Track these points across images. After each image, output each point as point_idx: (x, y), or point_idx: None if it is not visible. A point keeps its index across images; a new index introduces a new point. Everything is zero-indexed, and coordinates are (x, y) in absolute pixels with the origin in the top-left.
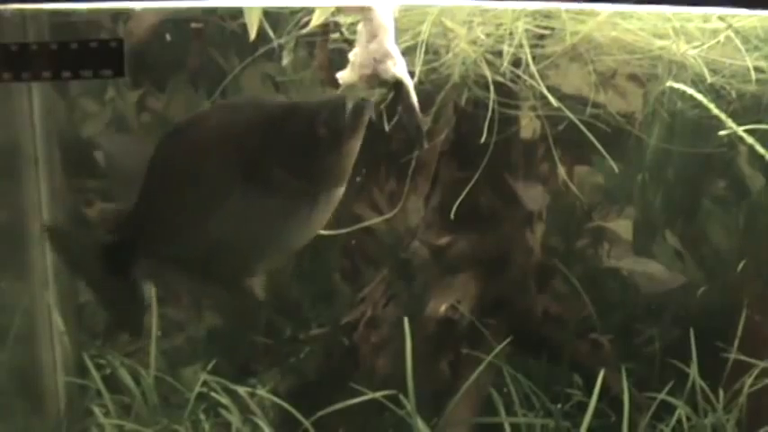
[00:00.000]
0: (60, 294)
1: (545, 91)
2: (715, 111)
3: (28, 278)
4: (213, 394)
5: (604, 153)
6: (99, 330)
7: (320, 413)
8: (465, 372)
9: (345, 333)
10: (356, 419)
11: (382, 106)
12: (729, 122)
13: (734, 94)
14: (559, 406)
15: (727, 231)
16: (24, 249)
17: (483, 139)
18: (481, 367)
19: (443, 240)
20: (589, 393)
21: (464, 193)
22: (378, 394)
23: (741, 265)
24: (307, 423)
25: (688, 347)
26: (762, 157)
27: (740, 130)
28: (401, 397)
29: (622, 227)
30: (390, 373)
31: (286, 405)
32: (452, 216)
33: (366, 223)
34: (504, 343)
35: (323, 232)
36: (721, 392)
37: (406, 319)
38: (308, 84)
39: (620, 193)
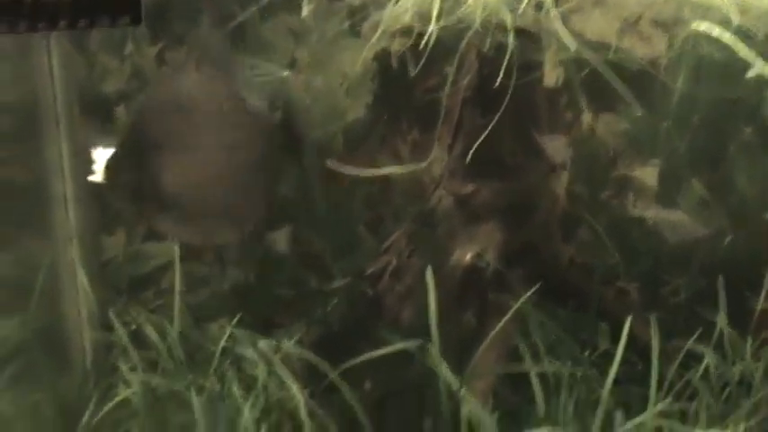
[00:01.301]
0: (84, 251)
1: (567, 35)
2: (742, 52)
3: (51, 236)
4: (238, 349)
5: (627, 95)
6: (123, 287)
7: (346, 364)
8: (491, 320)
9: (370, 284)
10: (382, 370)
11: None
12: (758, 63)
13: (761, 35)
14: (587, 354)
15: (753, 178)
16: (48, 207)
17: (505, 85)
18: (508, 315)
19: (468, 189)
20: (615, 342)
21: (482, 139)
22: (404, 344)
23: None
24: (333, 374)
25: (715, 296)
26: None
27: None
28: (427, 346)
29: (648, 175)
30: (416, 322)
31: (312, 357)
32: (468, 160)
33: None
34: (533, 290)
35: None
36: (749, 340)
37: (429, 269)
38: (329, 36)
39: (646, 141)
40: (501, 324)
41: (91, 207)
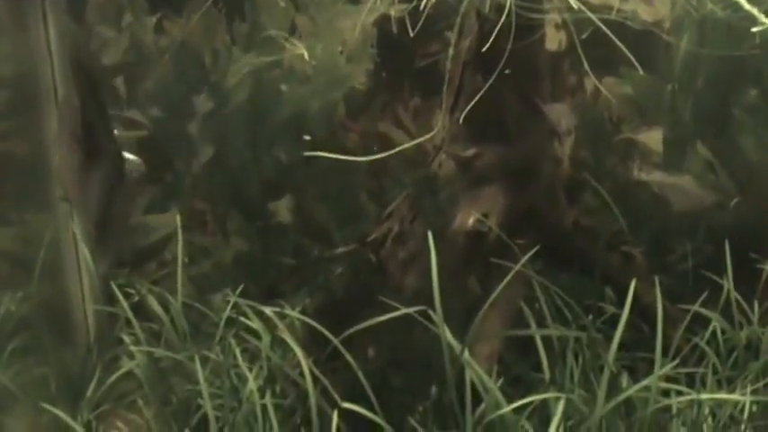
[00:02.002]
0: (85, 224)
1: None
2: (747, 6)
3: (52, 209)
4: (242, 319)
5: (630, 55)
6: (125, 259)
7: (349, 331)
8: (495, 285)
9: (373, 250)
10: (385, 336)
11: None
12: (762, 18)
13: None
14: (591, 318)
15: (759, 141)
16: (47, 181)
17: (506, 48)
18: (508, 276)
19: (469, 152)
20: (621, 306)
21: (484, 103)
22: (406, 310)
23: None
24: (336, 341)
25: (721, 260)
26: None
27: None
28: (430, 312)
29: (652, 139)
30: (419, 288)
31: (315, 324)
32: (470, 124)
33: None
34: (531, 252)
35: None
36: (756, 305)
37: (430, 233)
38: (328, 1)
39: (650, 104)
40: (501, 286)
41: None
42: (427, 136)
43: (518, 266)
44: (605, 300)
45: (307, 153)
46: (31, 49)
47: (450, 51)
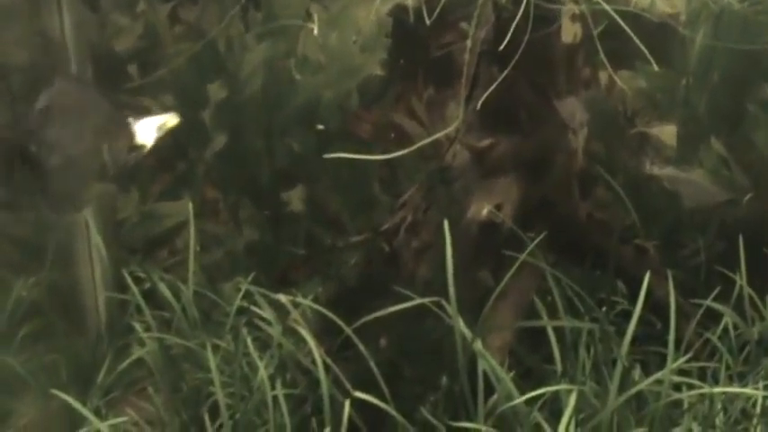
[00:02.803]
0: (98, 211)
1: None
2: None
3: None
4: (253, 308)
5: (644, 49)
6: (137, 247)
7: (361, 320)
8: (507, 276)
9: (386, 239)
10: (397, 326)
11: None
12: None
13: None
14: (604, 311)
15: None
16: None
17: (522, 39)
18: (515, 266)
19: (484, 143)
20: (633, 300)
21: (499, 93)
22: (420, 300)
23: None
24: (348, 330)
25: (734, 255)
26: None
27: None
28: (443, 302)
29: (666, 133)
30: (432, 278)
31: (327, 312)
32: (485, 114)
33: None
34: (537, 242)
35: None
36: None
37: (446, 222)
38: None
39: (664, 98)
40: (508, 276)
41: None
42: (445, 131)
43: (523, 256)
44: (617, 293)
45: (326, 155)
46: (46, 36)
47: (469, 43)
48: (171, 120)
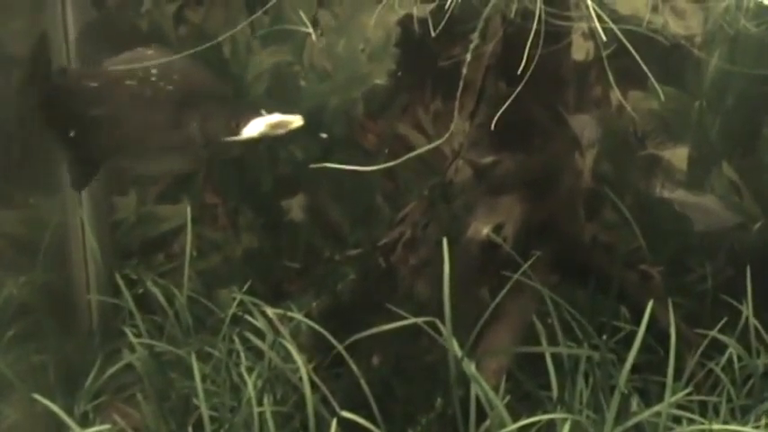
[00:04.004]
0: (94, 212)
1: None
2: None
3: (61, 194)
4: (247, 317)
5: (648, 73)
6: (133, 249)
7: (354, 337)
8: (507, 297)
9: (383, 254)
10: (392, 344)
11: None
12: None
13: None
14: (604, 337)
15: None
16: (57, 166)
17: (531, 54)
18: (509, 285)
19: (488, 160)
20: (636, 326)
21: (505, 109)
22: (414, 320)
23: None
24: (339, 347)
25: (742, 284)
26: None
27: None
28: (438, 322)
29: (677, 156)
30: (429, 296)
31: (319, 328)
32: (490, 131)
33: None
34: (531, 260)
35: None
36: None
37: (445, 240)
38: None
39: (676, 121)
40: (500, 297)
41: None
42: (439, 141)
43: (517, 276)
44: (620, 318)
45: (313, 165)
46: (48, 31)
47: (468, 55)
48: (296, 121)
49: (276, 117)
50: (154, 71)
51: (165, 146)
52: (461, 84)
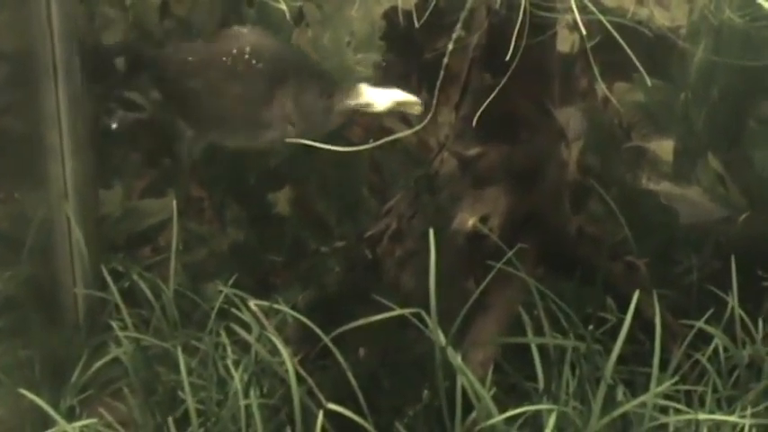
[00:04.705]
0: (80, 206)
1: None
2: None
3: (46, 189)
4: (234, 310)
5: (638, 63)
6: (119, 243)
7: (340, 329)
8: (493, 289)
9: (369, 246)
10: (378, 336)
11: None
12: None
13: None
14: (590, 328)
15: None
16: (42, 160)
17: (516, 46)
18: (491, 275)
19: (473, 151)
20: (622, 317)
21: (490, 101)
22: (400, 311)
23: None
24: (326, 339)
25: (727, 275)
26: None
27: None
28: (424, 314)
29: (663, 148)
30: (414, 288)
31: (305, 320)
32: (475, 123)
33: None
34: (514, 250)
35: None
36: (761, 323)
37: (431, 231)
38: None
39: (662, 112)
40: (482, 287)
41: (87, 161)
42: (416, 128)
43: (499, 266)
44: (606, 309)
45: (288, 140)
46: (32, 25)
47: (451, 47)
48: (416, 106)
49: (400, 94)
50: (248, 49)
51: (256, 121)
52: (441, 74)
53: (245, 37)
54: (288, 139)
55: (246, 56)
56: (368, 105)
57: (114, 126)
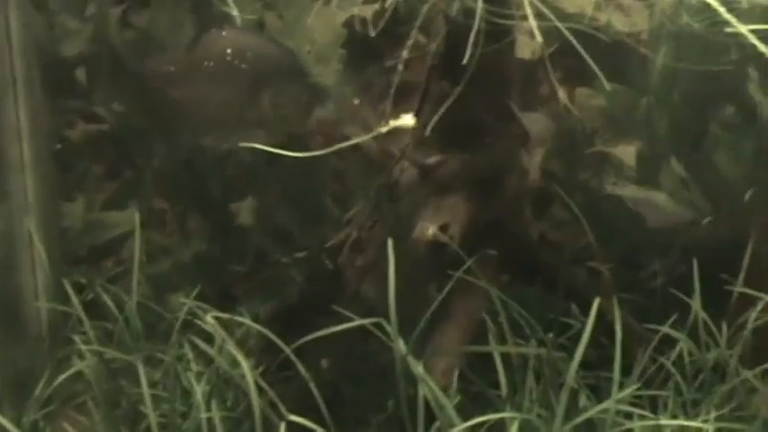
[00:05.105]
0: (41, 219)
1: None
2: (720, 9)
3: (7, 203)
4: (198, 321)
5: (596, 69)
6: (82, 256)
7: (301, 340)
8: (455, 297)
9: (330, 256)
10: (340, 347)
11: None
12: (734, 21)
13: (745, 3)
14: (551, 335)
15: (734, 159)
16: (3, 173)
17: (473, 53)
18: (450, 283)
19: (433, 159)
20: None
21: (450, 109)
22: (360, 321)
23: (748, 195)
24: (287, 350)
25: (692, 279)
26: None
27: (745, 29)
28: (385, 323)
29: (626, 153)
30: (376, 297)
31: (266, 332)
32: (431, 131)
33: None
34: (474, 258)
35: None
36: (725, 327)
37: (390, 242)
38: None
39: (624, 118)
40: (441, 296)
41: (49, 174)
42: (369, 135)
43: (458, 274)
44: (572, 315)
45: (242, 144)
46: None
47: (405, 54)
48: (408, 120)
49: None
50: (229, 51)
51: (243, 122)
52: (396, 82)
53: (226, 39)
54: (241, 144)
55: (227, 58)
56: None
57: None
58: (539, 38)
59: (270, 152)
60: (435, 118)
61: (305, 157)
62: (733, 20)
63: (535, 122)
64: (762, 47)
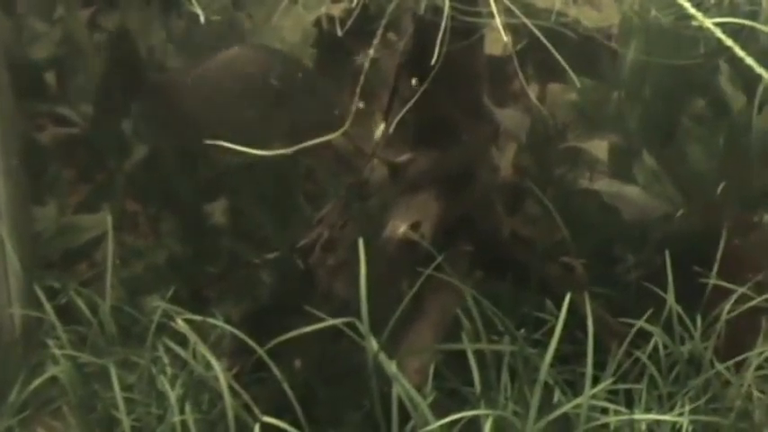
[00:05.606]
0: (13, 224)
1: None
2: (686, 4)
3: None
4: (172, 324)
5: (566, 66)
6: (55, 260)
7: (274, 341)
8: (427, 295)
9: (301, 256)
10: (313, 347)
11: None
12: (698, 16)
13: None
14: (522, 331)
15: (706, 152)
16: None
17: (442, 50)
18: (420, 280)
19: (403, 157)
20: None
21: (420, 107)
22: (333, 321)
23: (720, 187)
24: (261, 351)
25: (666, 272)
26: (742, 75)
27: (709, 23)
28: (357, 323)
29: (598, 147)
30: (348, 297)
31: (239, 333)
32: (397, 128)
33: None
34: (444, 255)
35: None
36: (699, 319)
37: (360, 240)
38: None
39: (596, 112)
40: (412, 293)
41: (20, 178)
42: (335, 134)
43: (428, 271)
44: (546, 311)
45: (208, 141)
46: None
47: (371, 52)
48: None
49: None
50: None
51: (259, 137)
52: (361, 80)
53: (244, 56)
54: (207, 141)
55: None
56: None
57: None
58: (504, 37)
59: (239, 151)
60: (398, 116)
61: (277, 156)
62: (697, 14)
63: (509, 118)
64: (727, 41)
